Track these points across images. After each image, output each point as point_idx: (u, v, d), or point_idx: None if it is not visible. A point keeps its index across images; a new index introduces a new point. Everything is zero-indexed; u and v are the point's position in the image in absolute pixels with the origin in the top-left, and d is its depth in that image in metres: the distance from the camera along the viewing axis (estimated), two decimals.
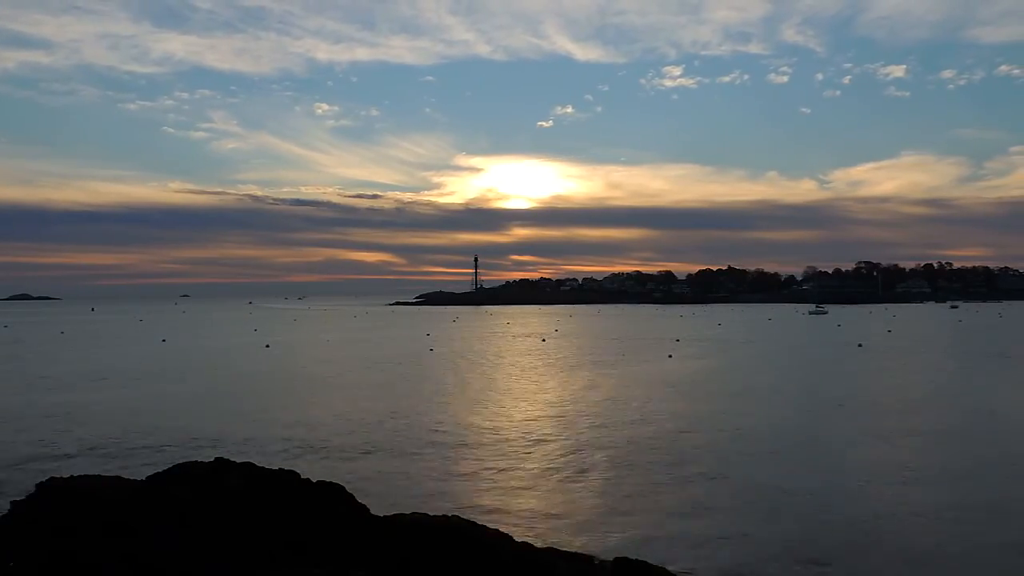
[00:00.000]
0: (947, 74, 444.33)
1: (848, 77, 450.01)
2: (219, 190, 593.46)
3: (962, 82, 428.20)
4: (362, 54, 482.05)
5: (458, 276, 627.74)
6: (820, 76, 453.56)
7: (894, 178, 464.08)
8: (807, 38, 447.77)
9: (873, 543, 15.55)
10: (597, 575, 11.74)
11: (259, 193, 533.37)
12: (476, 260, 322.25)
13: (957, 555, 15.02)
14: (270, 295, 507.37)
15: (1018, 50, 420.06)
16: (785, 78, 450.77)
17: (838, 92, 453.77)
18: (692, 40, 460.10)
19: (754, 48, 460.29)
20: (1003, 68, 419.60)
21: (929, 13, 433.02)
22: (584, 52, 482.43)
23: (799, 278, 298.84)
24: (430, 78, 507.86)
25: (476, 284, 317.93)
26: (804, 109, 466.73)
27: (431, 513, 12.30)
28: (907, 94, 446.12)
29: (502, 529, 13.11)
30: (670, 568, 13.17)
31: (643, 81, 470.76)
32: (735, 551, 15.15)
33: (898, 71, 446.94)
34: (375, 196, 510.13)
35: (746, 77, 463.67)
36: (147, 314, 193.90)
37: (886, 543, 15.58)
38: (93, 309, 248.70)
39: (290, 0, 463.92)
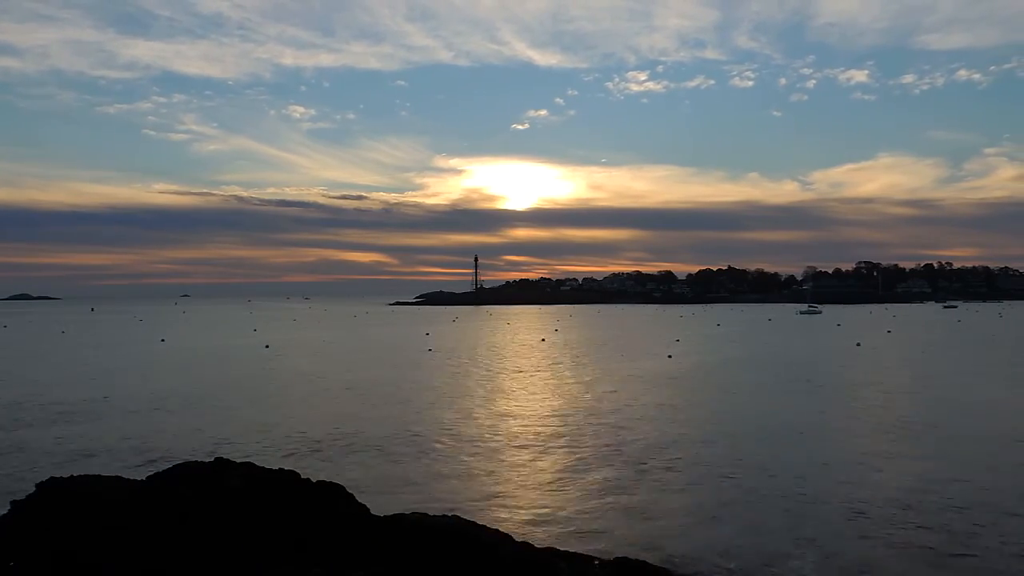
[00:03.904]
0: (908, 79, 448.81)
1: (811, 81, 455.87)
2: (203, 191, 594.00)
3: (925, 86, 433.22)
4: (326, 59, 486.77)
5: (453, 276, 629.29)
6: (783, 81, 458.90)
7: (874, 179, 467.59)
8: (761, 44, 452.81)
9: (873, 541, 15.59)
10: (597, 575, 11.74)
11: (244, 194, 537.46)
12: (476, 260, 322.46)
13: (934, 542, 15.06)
14: (268, 295, 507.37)
15: (971, 55, 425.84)
16: (749, 83, 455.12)
17: (805, 96, 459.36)
18: (648, 46, 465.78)
19: (711, 54, 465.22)
20: (961, 73, 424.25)
21: (875, 21, 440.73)
22: (544, 58, 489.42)
23: (799, 278, 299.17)
24: (401, 82, 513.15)
25: (476, 284, 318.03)
26: (775, 112, 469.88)
27: (431, 513, 12.31)
28: (874, 98, 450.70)
29: (502, 529, 13.11)
30: (670, 568, 13.18)
31: (610, 85, 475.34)
32: (736, 551, 15.14)
33: (860, 76, 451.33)
34: (360, 197, 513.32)
35: (711, 82, 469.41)
36: (146, 314, 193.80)
37: (882, 535, 15.62)
38: (93, 309, 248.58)
39: (246, 7, 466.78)
